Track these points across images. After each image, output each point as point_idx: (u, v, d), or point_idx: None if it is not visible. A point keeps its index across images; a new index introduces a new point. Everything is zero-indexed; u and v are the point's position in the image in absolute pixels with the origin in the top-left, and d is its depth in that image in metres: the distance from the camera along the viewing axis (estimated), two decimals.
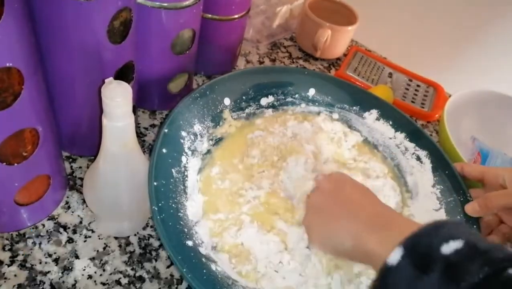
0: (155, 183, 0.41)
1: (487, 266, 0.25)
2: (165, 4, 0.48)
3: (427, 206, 0.52)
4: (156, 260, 0.45)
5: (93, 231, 0.46)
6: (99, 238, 0.45)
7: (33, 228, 0.45)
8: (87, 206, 0.47)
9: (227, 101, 0.55)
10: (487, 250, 0.26)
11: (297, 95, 0.61)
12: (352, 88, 0.62)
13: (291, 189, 0.48)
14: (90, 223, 0.46)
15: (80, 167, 0.51)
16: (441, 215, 0.51)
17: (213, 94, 0.53)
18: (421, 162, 0.56)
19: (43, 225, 0.45)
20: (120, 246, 0.45)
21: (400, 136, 0.59)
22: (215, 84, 0.54)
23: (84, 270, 0.43)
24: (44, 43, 0.39)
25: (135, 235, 0.47)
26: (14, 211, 0.42)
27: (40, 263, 0.42)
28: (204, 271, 0.39)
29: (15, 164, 0.38)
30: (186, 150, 0.48)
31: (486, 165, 0.61)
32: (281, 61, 0.78)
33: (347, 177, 0.45)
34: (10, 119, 0.35)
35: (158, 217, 0.39)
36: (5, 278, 0.40)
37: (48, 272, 0.42)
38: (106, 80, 0.35)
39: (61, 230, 0.45)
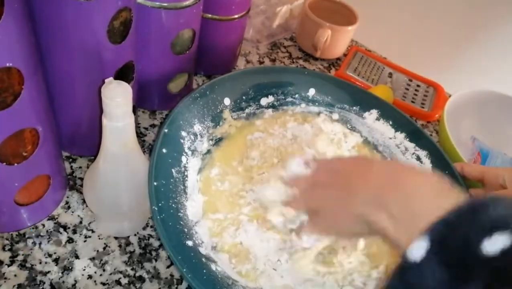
0: (155, 183, 0.41)
1: None
2: (165, 4, 0.48)
3: None
4: (156, 260, 0.45)
5: (93, 231, 0.46)
6: (99, 238, 0.45)
7: (33, 228, 0.45)
8: (87, 206, 0.47)
9: (227, 101, 0.55)
10: None
11: (297, 95, 0.61)
12: (352, 88, 0.62)
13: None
14: (90, 223, 0.46)
15: (80, 167, 0.51)
16: None
17: (213, 94, 0.53)
18: (421, 162, 0.56)
19: (43, 225, 0.45)
20: (120, 246, 0.45)
21: (400, 136, 0.59)
22: (215, 84, 0.54)
23: (84, 270, 0.43)
24: (44, 43, 0.39)
25: (135, 235, 0.47)
26: (14, 211, 0.42)
27: (40, 263, 0.42)
28: (204, 271, 0.39)
29: (15, 164, 0.38)
30: (186, 150, 0.48)
31: (486, 165, 0.62)
32: (281, 61, 0.78)
33: (338, 162, 0.41)
34: (10, 119, 0.35)
35: (158, 217, 0.39)
36: (5, 278, 0.40)
37: (48, 272, 0.42)
38: (106, 80, 0.35)
39: (61, 230, 0.45)
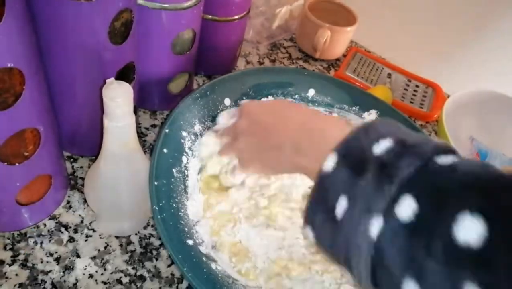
0: (156, 183, 0.41)
1: (418, 159, 0.26)
2: (166, 5, 0.49)
3: None
4: (157, 259, 0.46)
5: (94, 231, 0.46)
6: (100, 238, 0.46)
7: (34, 228, 0.45)
8: (88, 205, 0.47)
9: (227, 101, 0.55)
10: (415, 144, 0.27)
11: (296, 96, 0.61)
12: (351, 89, 0.62)
13: None
14: (91, 222, 0.47)
15: (81, 167, 0.52)
16: None
17: (214, 94, 0.54)
18: None
19: (45, 225, 0.45)
20: (121, 245, 0.46)
21: None
22: (215, 85, 0.54)
23: (85, 269, 0.43)
24: (45, 43, 0.39)
25: (136, 234, 0.47)
26: (16, 211, 0.42)
27: (42, 262, 0.43)
28: (205, 270, 0.39)
29: (17, 164, 0.38)
30: (187, 150, 0.49)
31: None
32: (281, 62, 0.79)
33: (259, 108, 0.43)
34: (12, 119, 0.35)
35: (159, 216, 0.39)
36: (7, 278, 0.41)
37: (49, 271, 0.42)
38: (107, 81, 0.35)
39: (62, 229, 0.45)
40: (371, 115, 0.60)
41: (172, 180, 0.44)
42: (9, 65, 0.32)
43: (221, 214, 0.46)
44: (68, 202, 0.48)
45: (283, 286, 0.43)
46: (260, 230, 0.45)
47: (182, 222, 0.42)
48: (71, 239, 0.45)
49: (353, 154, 0.28)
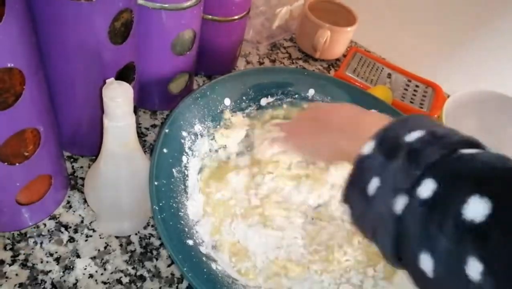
0: (156, 183, 0.41)
1: (443, 148, 0.29)
2: (166, 5, 0.49)
3: None
4: (157, 259, 0.46)
5: (94, 231, 0.46)
6: (100, 238, 0.46)
7: (34, 228, 0.45)
8: (88, 205, 0.47)
9: (227, 101, 0.55)
10: (444, 135, 0.30)
11: (297, 96, 0.61)
12: (351, 89, 0.62)
13: None
14: (91, 222, 0.47)
15: (82, 167, 0.52)
16: None
17: (214, 94, 0.54)
18: None
19: (45, 225, 0.45)
20: (121, 245, 0.46)
21: None
22: (215, 85, 0.54)
23: (85, 269, 0.43)
24: (45, 43, 0.39)
25: (136, 234, 0.47)
26: (16, 211, 0.42)
27: (42, 262, 0.43)
28: (205, 270, 0.39)
29: (17, 164, 0.38)
30: (187, 150, 0.49)
31: None
32: (281, 62, 0.79)
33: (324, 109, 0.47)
34: (12, 119, 0.35)
35: (159, 216, 0.39)
36: (7, 277, 0.41)
37: (49, 271, 0.42)
38: (107, 81, 0.35)
39: (63, 229, 0.45)
40: None
41: (172, 180, 0.44)
42: (9, 65, 0.32)
43: (220, 204, 0.47)
44: (68, 202, 0.48)
45: (282, 285, 0.43)
46: (257, 230, 0.45)
47: (182, 222, 0.42)
48: (71, 239, 0.45)
49: (388, 141, 0.32)
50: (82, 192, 0.49)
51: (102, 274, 0.43)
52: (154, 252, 0.46)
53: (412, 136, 0.30)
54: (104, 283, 0.42)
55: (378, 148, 0.32)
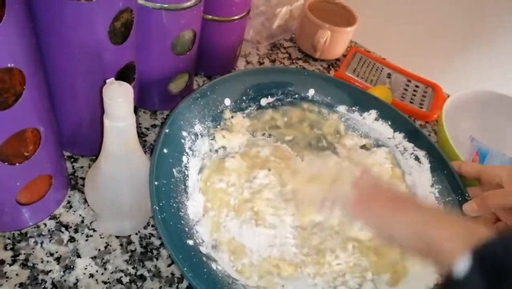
0: (156, 183, 0.41)
1: None
2: (166, 5, 0.49)
3: None
4: (157, 259, 0.46)
5: (94, 230, 0.46)
6: (101, 237, 0.46)
7: (35, 228, 0.45)
8: (88, 205, 0.47)
9: (227, 101, 0.55)
10: None
11: (297, 96, 0.61)
12: (351, 89, 0.62)
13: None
14: (91, 222, 0.47)
15: (82, 167, 0.52)
16: None
17: (214, 94, 0.54)
18: (420, 162, 0.56)
19: (45, 225, 0.45)
20: (121, 245, 0.46)
21: (399, 136, 0.59)
22: (215, 85, 0.54)
23: (85, 269, 0.43)
24: (45, 43, 0.39)
25: (136, 234, 0.47)
26: (16, 211, 0.43)
27: (42, 262, 0.43)
28: (205, 270, 0.39)
29: (17, 164, 0.38)
30: (187, 150, 0.49)
31: (484, 164, 0.62)
32: (281, 62, 0.79)
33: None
34: (12, 119, 0.35)
35: (159, 216, 0.39)
36: (7, 277, 0.41)
37: (50, 271, 0.42)
38: (107, 81, 0.35)
39: (63, 229, 0.46)
40: (371, 115, 0.61)
41: (172, 180, 0.44)
42: (9, 65, 0.32)
43: (217, 191, 0.47)
44: (69, 202, 0.48)
45: (275, 284, 0.43)
46: (250, 227, 0.45)
47: (182, 222, 0.42)
48: (72, 239, 0.45)
49: (490, 262, 0.27)
50: (83, 192, 0.49)
51: (102, 273, 0.43)
52: (155, 252, 0.46)
53: None
54: (105, 282, 0.43)
55: (478, 269, 0.27)
